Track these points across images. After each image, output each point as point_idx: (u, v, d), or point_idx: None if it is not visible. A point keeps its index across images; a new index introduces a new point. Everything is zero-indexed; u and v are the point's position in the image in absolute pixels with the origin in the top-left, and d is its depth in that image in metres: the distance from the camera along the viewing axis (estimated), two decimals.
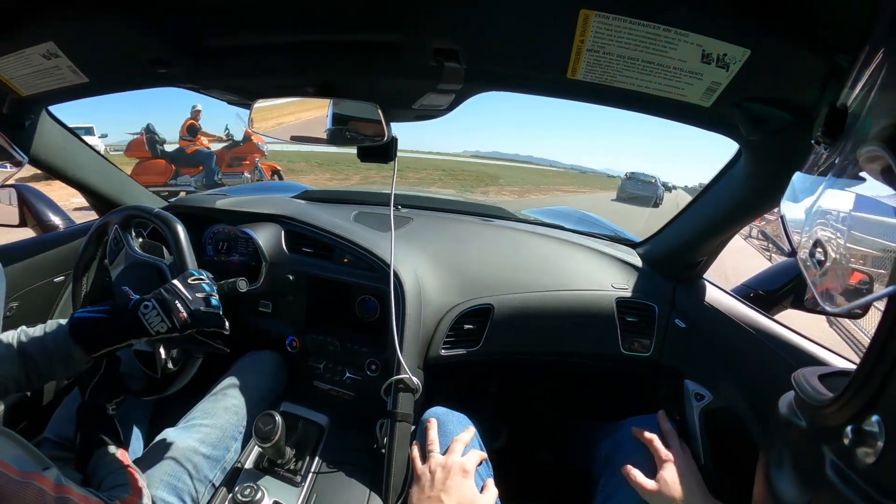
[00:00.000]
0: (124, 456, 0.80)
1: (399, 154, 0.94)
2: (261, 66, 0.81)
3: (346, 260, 1.17)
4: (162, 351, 0.93)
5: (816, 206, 0.36)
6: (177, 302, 0.80)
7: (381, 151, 0.93)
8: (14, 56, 0.84)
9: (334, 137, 0.89)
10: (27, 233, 1.59)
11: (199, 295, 0.83)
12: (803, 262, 0.36)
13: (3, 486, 0.53)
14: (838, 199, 0.33)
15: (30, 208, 1.57)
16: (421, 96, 0.86)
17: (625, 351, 1.11)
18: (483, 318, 1.12)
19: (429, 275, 1.15)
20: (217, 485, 0.91)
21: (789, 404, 0.39)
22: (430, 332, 1.10)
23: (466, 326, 1.11)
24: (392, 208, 1.11)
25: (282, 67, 0.82)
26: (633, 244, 1.32)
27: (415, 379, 0.99)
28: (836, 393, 0.30)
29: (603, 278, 1.17)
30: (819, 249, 0.33)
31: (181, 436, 0.93)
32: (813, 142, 0.40)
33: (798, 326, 0.98)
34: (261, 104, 0.88)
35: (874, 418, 0.25)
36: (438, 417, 0.94)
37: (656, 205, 17.63)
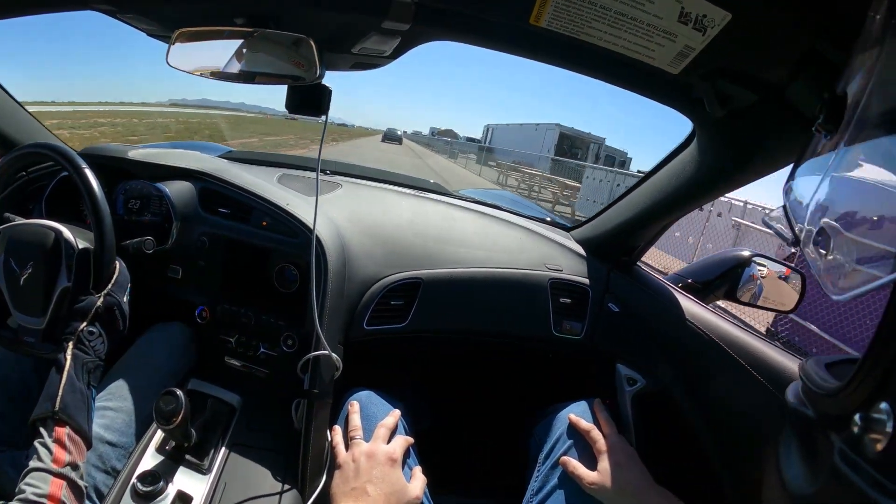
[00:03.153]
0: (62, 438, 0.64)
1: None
2: None
3: (264, 223, 1.04)
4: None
5: (818, 195, 0.36)
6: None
7: (313, 103, 0.83)
8: None
9: (259, 75, 0.76)
10: None
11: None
12: (807, 250, 0.36)
13: None
14: (840, 186, 0.34)
15: None
16: (363, 37, 0.77)
17: (556, 333, 1.10)
18: (411, 294, 1.05)
19: (355, 244, 1.06)
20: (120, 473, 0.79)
21: (796, 394, 0.38)
22: (354, 305, 1.01)
23: (393, 302, 1.04)
24: (318, 171, 0.98)
25: None
26: (567, 228, 1.32)
27: (334, 355, 0.90)
28: (844, 381, 0.30)
29: (537, 258, 1.15)
30: (822, 238, 0.33)
31: None
32: (814, 130, 0.40)
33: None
34: (181, 35, 0.74)
35: (882, 405, 0.25)
36: (361, 401, 0.87)
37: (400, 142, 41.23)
